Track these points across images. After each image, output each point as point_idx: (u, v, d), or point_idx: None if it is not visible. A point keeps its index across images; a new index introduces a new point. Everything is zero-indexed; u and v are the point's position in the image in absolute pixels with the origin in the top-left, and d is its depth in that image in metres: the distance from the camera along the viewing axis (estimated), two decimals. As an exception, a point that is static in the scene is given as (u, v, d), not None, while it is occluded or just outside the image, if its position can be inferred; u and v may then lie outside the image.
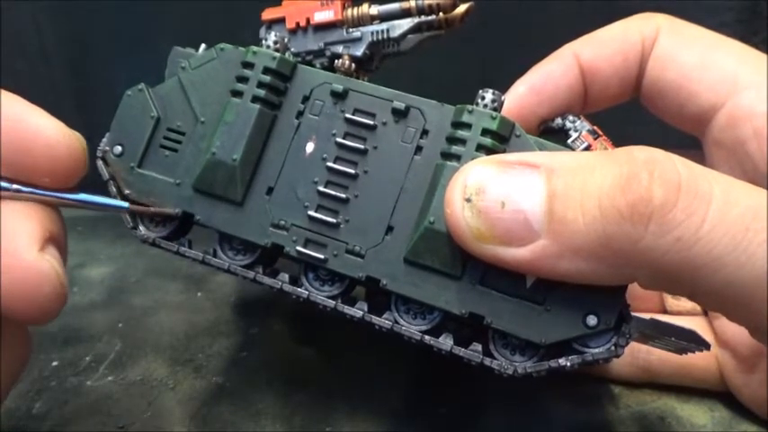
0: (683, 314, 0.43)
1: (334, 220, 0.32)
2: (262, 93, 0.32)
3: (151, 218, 0.34)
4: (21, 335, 0.30)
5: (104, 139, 0.34)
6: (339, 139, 0.32)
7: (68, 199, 0.30)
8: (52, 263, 0.28)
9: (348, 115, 0.33)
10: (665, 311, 0.44)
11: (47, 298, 0.27)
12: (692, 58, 0.38)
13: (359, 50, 0.37)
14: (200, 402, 0.40)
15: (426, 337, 0.31)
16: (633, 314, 0.31)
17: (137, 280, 0.53)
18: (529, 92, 0.41)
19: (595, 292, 0.29)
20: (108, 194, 0.33)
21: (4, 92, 0.28)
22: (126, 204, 0.32)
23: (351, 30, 0.37)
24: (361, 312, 0.32)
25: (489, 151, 0.30)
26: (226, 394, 0.41)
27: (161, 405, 0.40)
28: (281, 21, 0.38)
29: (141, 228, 0.34)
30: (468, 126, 0.31)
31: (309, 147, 0.33)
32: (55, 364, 0.43)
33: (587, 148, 0.37)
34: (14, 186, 0.28)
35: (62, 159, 0.28)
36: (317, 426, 0.39)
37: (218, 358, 0.44)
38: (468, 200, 0.29)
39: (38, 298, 0.27)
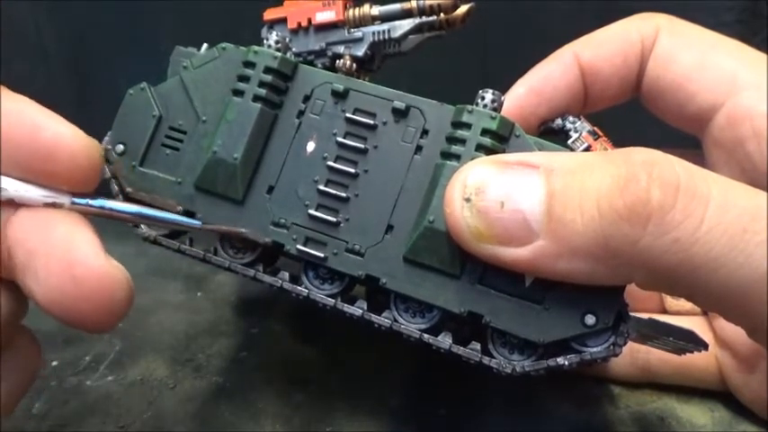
0: (683, 314, 0.43)
1: (335, 219, 0.32)
2: (263, 92, 0.32)
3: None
4: (31, 347, 0.30)
5: (106, 138, 0.34)
6: (340, 139, 0.32)
7: (147, 216, 0.30)
8: (120, 267, 0.27)
9: (349, 115, 0.33)
10: (664, 311, 0.44)
11: (120, 303, 0.27)
12: (692, 57, 0.38)
13: (360, 51, 0.37)
14: (200, 402, 0.40)
15: (425, 335, 0.32)
16: (631, 314, 0.31)
17: (137, 280, 0.52)
18: (529, 92, 0.41)
19: (594, 292, 0.29)
20: (110, 192, 0.33)
21: (22, 98, 0.27)
22: (198, 223, 0.32)
23: (352, 30, 0.38)
24: (361, 311, 0.32)
25: (489, 151, 0.31)
26: (226, 394, 0.41)
27: (161, 405, 0.40)
28: (283, 21, 0.38)
29: (142, 226, 0.34)
30: (467, 126, 0.31)
31: (310, 146, 0.33)
32: (55, 363, 0.43)
33: (587, 149, 0.37)
34: (83, 201, 0.28)
35: (81, 167, 0.28)
36: (317, 426, 0.39)
37: (218, 358, 0.44)
38: (468, 199, 0.29)
39: (110, 305, 0.27)
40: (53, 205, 0.28)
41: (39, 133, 0.27)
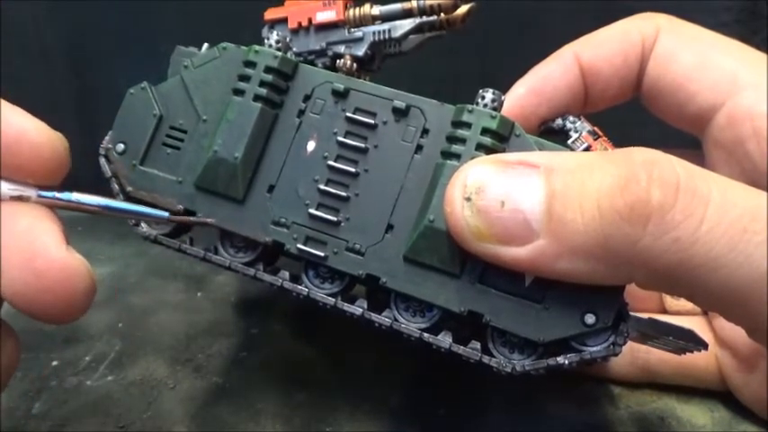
0: (683, 314, 0.43)
1: (335, 218, 0.32)
2: (263, 91, 0.33)
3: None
4: (11, 342, 0.30)
5: (107, 137, 0.34)
6: (340, 138, 0.33)
7: (113, 208, 0.30)
8: (81, 259, 0.27)
9: (349, 114, 0.33)
10: (664, 311, 0.44)
11: (81, 295, 0.27)
12: (692, 57, 0.38)
13: (360, 50, 0.37)
14: (201, 402, 0.40)
15: (425, 334, 0.32)
16: (631, 313, 0.31)
17: (137, 280, 0.53)
18: (529, 92, 0.41)
19: (594, 291, 0.29)
20: (110, 192, 0.33)
21: None
22: (165, 214, 0.31)
23: (352, 30, 0.38)
24: (361, 310, 0.32)
25: (489, 150, 0.31)
26: (226, 394, 0.41)
27: (161, 405, 0.40)
28: (284, 20, 0.38)
29: (143, 225, 0.34)
30: (468, 125, 0.31)
31: (310, 145, 0.33)
32: (55, 363, 0.43)
33: (587, 149, 0.37)
34: (52, 194, 0.28)
35: (46, 159, 0.28)
36: (317, 426, 0.39)
37: (218, 358, 0.44)
38: (468, 199, 0.29)
39: (72, 296, 0.27)
40: (20, 198, 0.28)
41: (3, 126, 0.27)
